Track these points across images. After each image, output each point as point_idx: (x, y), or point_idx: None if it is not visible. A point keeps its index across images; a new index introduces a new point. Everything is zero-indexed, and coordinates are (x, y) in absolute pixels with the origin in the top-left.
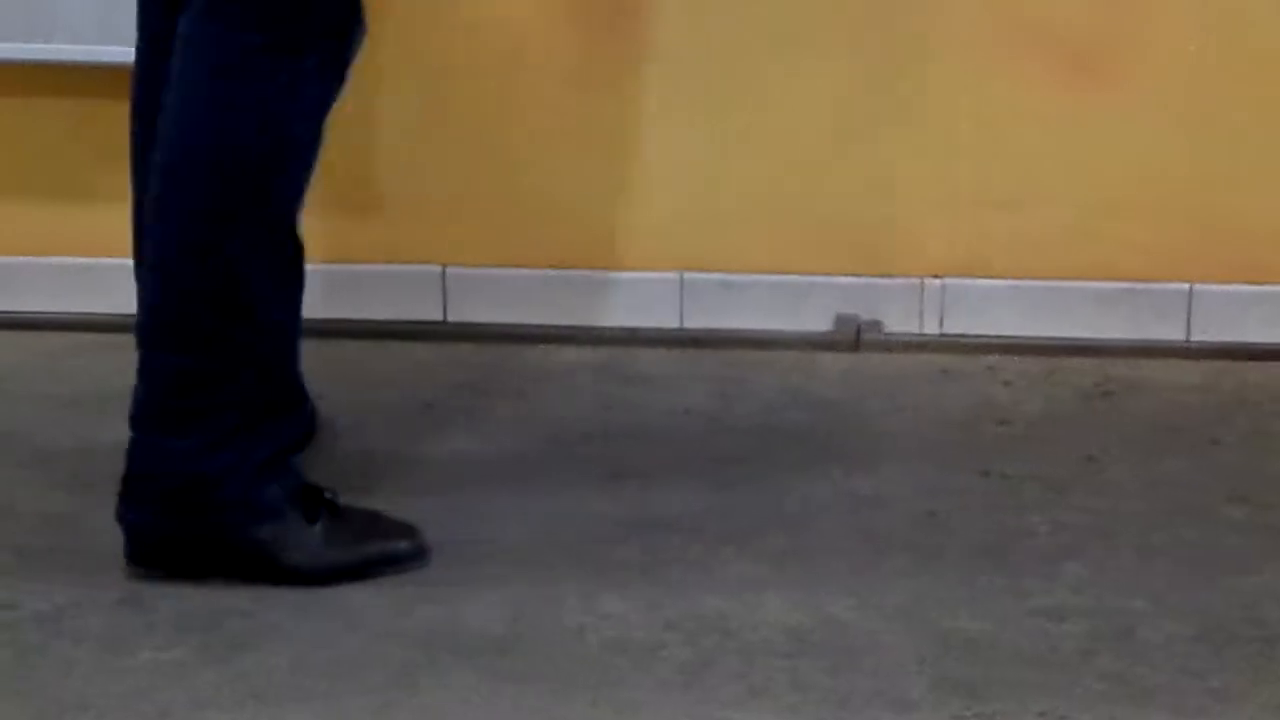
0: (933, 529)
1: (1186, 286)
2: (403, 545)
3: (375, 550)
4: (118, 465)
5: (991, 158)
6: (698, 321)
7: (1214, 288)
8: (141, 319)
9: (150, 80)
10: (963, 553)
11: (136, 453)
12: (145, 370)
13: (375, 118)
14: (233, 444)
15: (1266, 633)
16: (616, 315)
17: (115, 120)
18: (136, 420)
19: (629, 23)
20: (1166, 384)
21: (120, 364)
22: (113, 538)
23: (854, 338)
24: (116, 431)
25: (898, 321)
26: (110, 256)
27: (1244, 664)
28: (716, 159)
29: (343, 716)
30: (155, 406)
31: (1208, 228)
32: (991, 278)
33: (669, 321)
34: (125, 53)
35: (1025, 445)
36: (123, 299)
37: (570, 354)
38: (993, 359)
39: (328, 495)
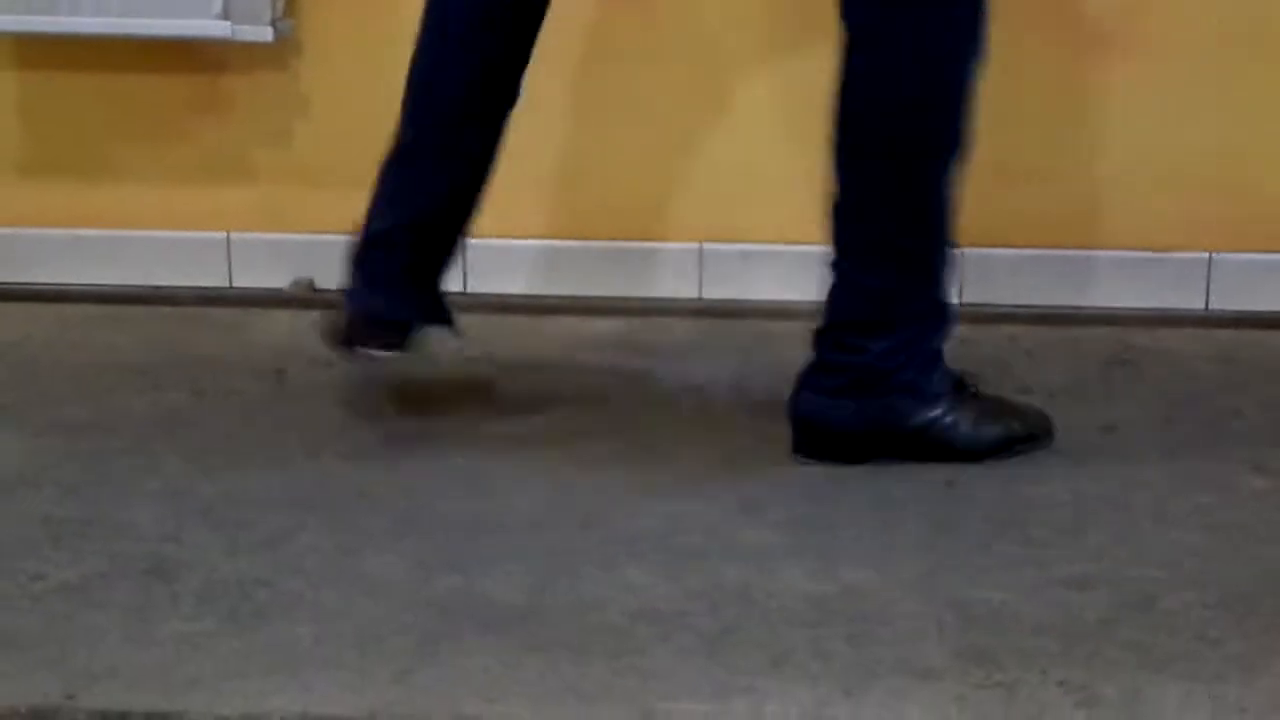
0: (952, 498)
1: (1206, 256)
2: (1035, 423)
3: (1018, 426)
4: (136, 433)
5: (1012, 128)
6: (717, 292)
7: (1233, 257)
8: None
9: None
10: (982, 522)
11: (826, 347)
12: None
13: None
14: (910, 348)
15: None
16: (636, 286)
17: (133, 93)
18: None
19: None
20: (1186, 353)
21: (136, 335)
22: (135, 507)
23: None
24: (133, 400)
25: None
26: (125, 229)
27: (1264, 633)
28: (736, 131)
29: (366, 685)
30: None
31: (1227, 197)
32: (1011, 247)
33: (688, 292)
34: (147, 25)
35: None
36: (137, 270)
37: (589, 325)
38: (1013, 328)
39: (969, 384)
